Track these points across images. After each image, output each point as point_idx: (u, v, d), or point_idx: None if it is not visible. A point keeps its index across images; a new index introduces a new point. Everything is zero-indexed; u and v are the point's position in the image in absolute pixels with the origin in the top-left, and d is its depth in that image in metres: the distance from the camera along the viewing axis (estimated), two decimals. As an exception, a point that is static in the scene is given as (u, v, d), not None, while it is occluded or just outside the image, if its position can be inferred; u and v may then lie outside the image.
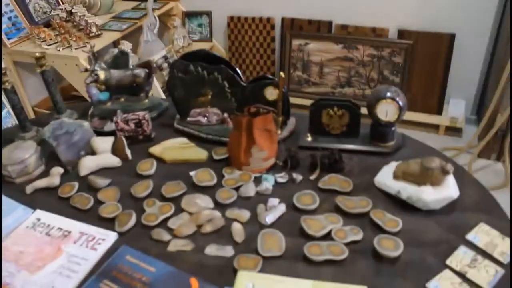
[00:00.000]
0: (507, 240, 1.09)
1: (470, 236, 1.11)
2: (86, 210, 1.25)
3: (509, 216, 1.18)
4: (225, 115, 1.47)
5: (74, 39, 2.76)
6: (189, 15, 3.46)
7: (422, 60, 2.92)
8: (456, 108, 3.01)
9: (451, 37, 2.83)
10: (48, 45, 2.78)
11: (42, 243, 1.16)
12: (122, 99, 1.64)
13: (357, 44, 2.98)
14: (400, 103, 1.32)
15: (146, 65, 1.63)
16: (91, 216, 1.23)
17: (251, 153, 1.28)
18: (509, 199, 2.30)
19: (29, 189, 1.34)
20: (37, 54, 1.55)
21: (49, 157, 1.47)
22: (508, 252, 1.06)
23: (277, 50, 3.28)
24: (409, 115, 3.03)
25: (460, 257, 1.05)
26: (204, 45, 3.41)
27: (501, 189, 2.57)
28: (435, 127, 3.05)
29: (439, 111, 3.02)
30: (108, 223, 1.20)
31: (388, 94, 1.33)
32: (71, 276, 1.06)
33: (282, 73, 1.31)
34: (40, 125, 1.61)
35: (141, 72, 1.59)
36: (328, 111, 1.38)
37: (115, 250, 1.11)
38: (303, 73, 3.17)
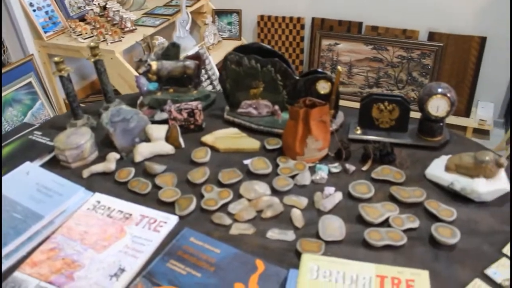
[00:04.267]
0: (562, 231, 1.12)
1: (524, 228, 1.13)
2: (144, 194, 1.29)
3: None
4: (276, 107, 1.50)
5: (109, 33, 2.81)
6: (219, 13, 3.51)
7: (452, 62, 2.94)
8: (485, 110, 3.03)
9: (482, 40, 2.85)
10: (84, 39, 2.83)
11: (105, 224, 1.20)
12: (171, 90, 1.68)
13: (387, 45, 3.01)
14: (452, 99, 1.35)
15: (196, 57, 1.67)
16: (150, 200, 1.27)
17: (307, 143, 1.31)
18: None
19: (85, 173, 1.38)
20: (92, 44, 1.59)
21: (102, 143, 1.51)
22: None
23: (306, 49, 3.31)
24: (436, 117, 3.06)
25: (517, 247, 1.08)
26: (233, 43, 3.46)
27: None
28: (462, 129, 3.07)
29: (467, 113, 3.04)
30: (167, 207, 1.23)
31: (440, 90, 1.35)
32: (137, 255, 1.10)
33: (339, 67, 1.35)
34: (89, 113, 1.66)
35: (191, 64, 1.63)
36: (379, 106, 1.41)
37: (177, 232, 1.15)
38: (332, 73, 3.21)
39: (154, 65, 1.60)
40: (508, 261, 1.04)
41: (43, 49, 2.97)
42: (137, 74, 1.67)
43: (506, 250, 1.07)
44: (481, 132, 3.06)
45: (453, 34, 2.91)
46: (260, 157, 1.37)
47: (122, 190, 1.32)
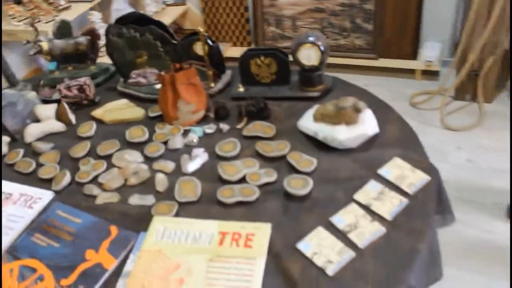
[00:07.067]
0: (418, 171, 1.13)
1: (381, 171, 1.15)
2: (28, 173, 1.32)
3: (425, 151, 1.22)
4: (162, 73, 1.51)
5: (42, 13, 2.80)
6: (162, -20, 3.45)
7: (394, 4, 2.88)
8: (431, 51, 2.98)
9: (421, -23, 2.78)
10: (18, 22, 2.81)
11: (-15, 206, 1.24)
12: (70, 68, 1.69)
13: (327, -6, 2.96)
14: (322, 47, 1.34)
15: (90, 32, 1.67)
16: (33, 179, 1.30)
17: (178, 107, 1.33)
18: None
19: (-22, 158, 1.42)
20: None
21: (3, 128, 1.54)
22: (416, 183, 1.10)
23: (250, 7, 3.27)
24: (384, 62, 3.02)
25: (368, 191, 1.09)
26: (179, 9, 3.42)
27: (475, 128, 2.58)
28: (412, 72, 3.04)
29: (414, 56, 3.00)
30: (47, 184, 1.27)
31: (310, 38, 1.35)
32: (8, 233, 1.14)
33: (200, 28, 1.35)
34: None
35: (83, 40, 1.64)
36: (256, 61, 1.41)
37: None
38: (277, 28, 3.17)
39: (45, 45, 1.60)
40: (357, 206, 1.06)
41: (-18, 36, 2.96)
42: (37, 56, 1.68)
43: (356, 196, 1.09)
44: (431, 73, 3.02)
45: (392, -25, 2.84)
46: (139, 125, 1.39)
47: (10, 172, 1.35)
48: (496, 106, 2.74)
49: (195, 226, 1.04)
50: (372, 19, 2.92)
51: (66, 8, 2.89)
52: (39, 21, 2.77)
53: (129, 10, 3.14)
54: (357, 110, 1.20)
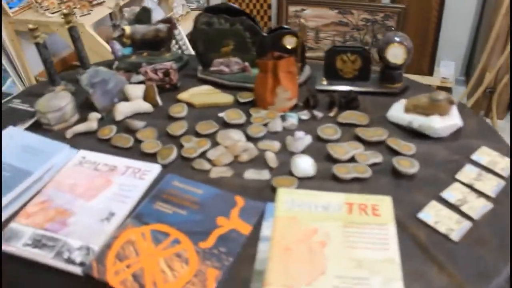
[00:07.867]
0: (506, 158, 1.25)
1: (474, 157, 1.26)
2: (127, 148, 1.37)
3: (508, 142, 1.34)
4: (246, 63, 1.59)
5: (78, 7, 2.83)
6: (186, -16, 3.54)
7: (415, 23, 3.06)
8: (447, 69, 3.18)
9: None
10: (52, 13, 2.83)
11: (92, 176, 1.27)
12: (145, 53, 1.74)
13: (351, 9, 3.11)
14: (408, 46, 1.46)
15: (168, 21, 1.74)
16: (133, 153, 1.34)
17: (276, 93, 1.41)
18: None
19: (69, 133, 1.45)
20: (65, 11, 1.65)
21: (82, 106, 1.57)
22: (508, 168, 1.22)
23: (273, 17, 3.39)
24: (402, 77, 3.19)
25: (467, 173, 1.20)
26: (202, 14, 3.50)
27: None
28: (426, 88, 3.21)
29: (430, 72, 3.18)
30: (150, 158, 1.31)
31: (397, 38, 1.46)
32: (125, 201, 1.18)
33: (303, 20, 1.44)
34: (67, 80, 1.71)
35: (164, 27, 1.70)
36: (342, 57, 1.51)
37: (161, 179, 1.23)
38: (300, 38, 3.30)
39: (128, 29, 1.65)
40: (460, 185, 1.17)
41: (9, 26, 2.96)
42: (111, 41, 1.73)
43: (458, 176, 1.19)
44: (444, 90, 3.20)
45: (414, -5, 3.03)
46: (234, 109, 1.46)
47: (106, 146, 1.39)
48: (506, 123, 2.94)
49: (321, 198, 1.11)
50: (393, 35, 3.08)
51: (100, 4, 2.93)
52: (74, 14, 2.79)
53: (158, 9, 3.20)
54: (451, 103, 1.31)
